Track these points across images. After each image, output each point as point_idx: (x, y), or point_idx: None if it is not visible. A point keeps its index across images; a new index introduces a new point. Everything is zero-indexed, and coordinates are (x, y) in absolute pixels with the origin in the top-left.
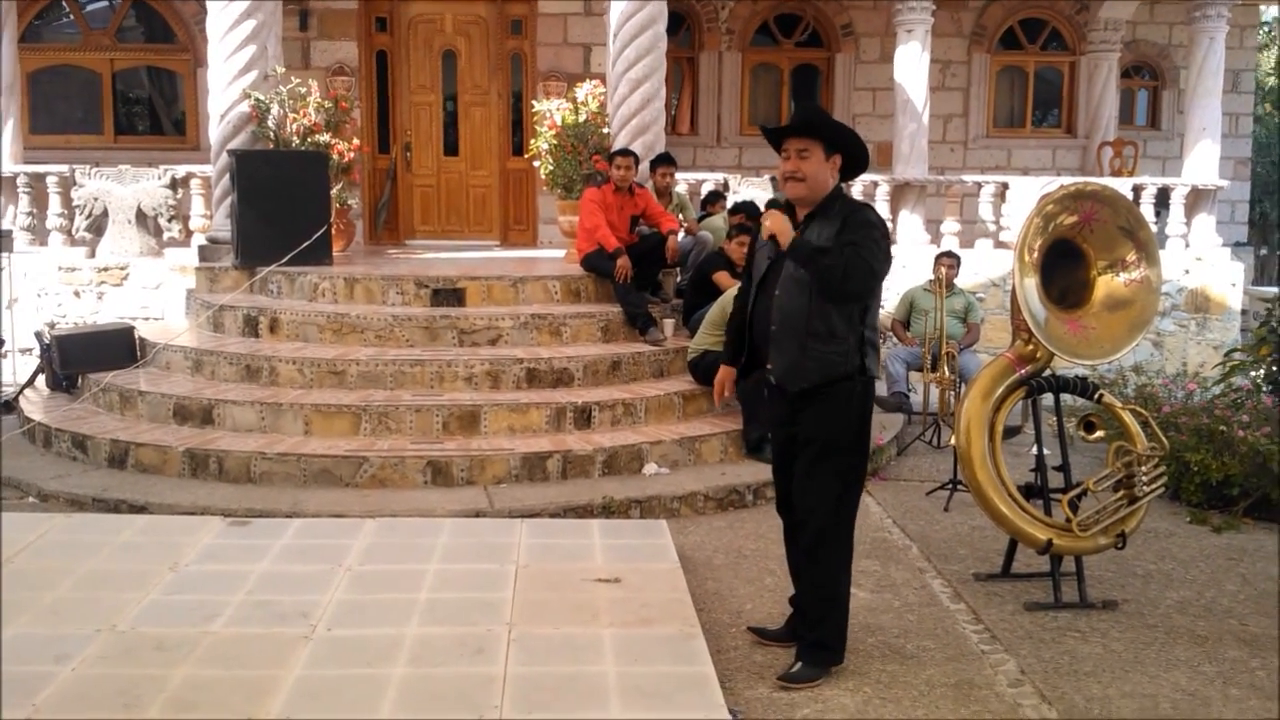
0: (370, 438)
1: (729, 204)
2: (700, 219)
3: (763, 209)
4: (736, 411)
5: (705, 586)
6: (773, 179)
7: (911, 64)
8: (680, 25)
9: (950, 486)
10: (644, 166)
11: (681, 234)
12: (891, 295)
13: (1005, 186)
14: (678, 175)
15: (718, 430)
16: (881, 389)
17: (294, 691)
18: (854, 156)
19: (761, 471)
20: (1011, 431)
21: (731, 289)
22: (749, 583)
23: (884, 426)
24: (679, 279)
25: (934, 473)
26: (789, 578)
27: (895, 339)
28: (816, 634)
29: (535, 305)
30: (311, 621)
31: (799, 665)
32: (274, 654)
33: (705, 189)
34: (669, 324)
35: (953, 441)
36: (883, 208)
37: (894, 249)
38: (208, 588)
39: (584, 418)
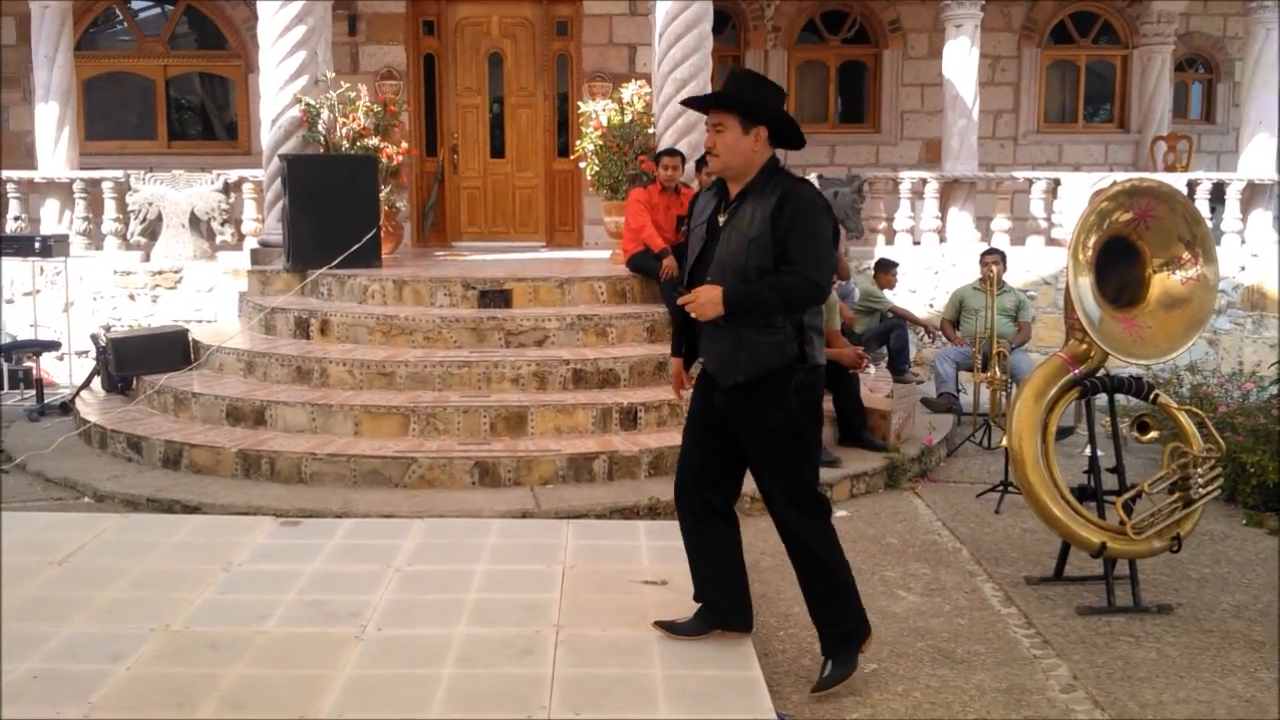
0: (419, 439)
1: None
2: None
3: None
4: None
5: (752, 589)
6: (819, 177)
7: (961, 59)
8: (725, 24)
9: (1001, 488)
10: (690, 166)
11: None
12: (941, 294)
13: (1057, 183)
14: None
15: None
16: (930, 390)
17: (345, 691)
18: (779, 127)
19: None
20: (1064, 432)
21: None
22: (796, 585)
23: (933, 427)
24: None
25: (984, 474)
26: None
27: (945, 338)
28: (840, 627)
29: (581, 306)
30: (362, 621)
31: (830, 666)
32: (325, 653)
33: None
34: None
35: (1004, 443)
36: (932, 205)
37: (943, 247)
38: (260, 587)
39: (630, 418)
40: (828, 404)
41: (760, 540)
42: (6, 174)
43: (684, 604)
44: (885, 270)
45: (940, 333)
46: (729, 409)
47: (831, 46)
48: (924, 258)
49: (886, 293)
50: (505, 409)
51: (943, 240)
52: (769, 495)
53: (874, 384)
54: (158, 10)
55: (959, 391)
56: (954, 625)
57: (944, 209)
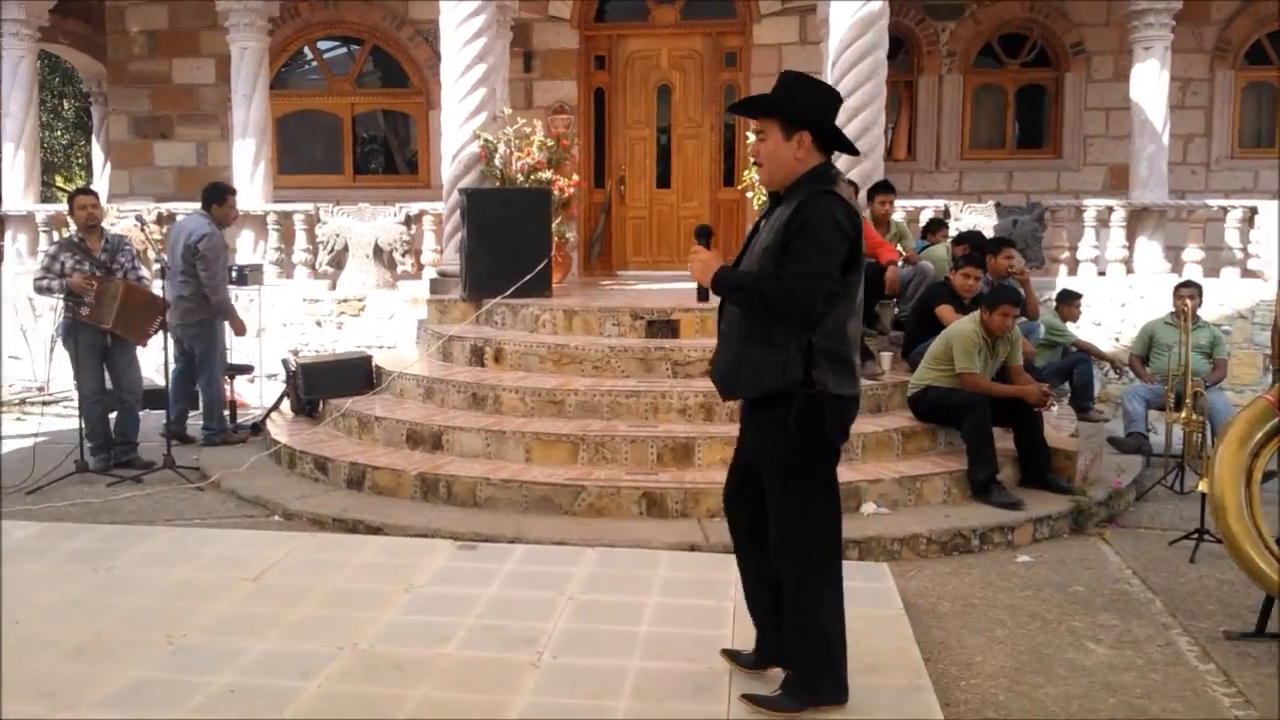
0: (588, 467)
1: (951, 232)
2: (921, 249)
3: (988, 236)
4: (960, 451)
5: (931, 635)
6: (996, 205)
7: (1149, 82)
8: (898, 49)
9: (1197, 536)
10: (862, 195)
11: (901, 264)
12: (1127, 328)
13: (1254, 211)
14: (895, 202)
15: (940, 470)
16: (1118, 429)
17: (524, 718)
18: (822, 130)
19: (988, 516)
20: (1267, 476)
21: (956, 322)
22: (978, 633)
23: (1122, 469)
24: (897, 310)
25: (1177, 520)
26: (1020, 629)
27: (1133, 375)
28: (798, 668)
29: None
30: (538, 648)
31: (778, 692)
32: (504, 679)
33: (924, 216)
34: (886, 357)
35: (1199, 487)
36: (1118, 234)
37: (1130, 278)
38: (441, 610)
39: None
40: (1009, 442)
41: (936, 585)
42: None
43: (861, 648)
44: (1068, 302)
45: (1128, 368)
46: (745, 428)
47: (1009, 70)
48: (1109, 289)
49: (1070, 325)
50: (672, 440)
51: (1130, 271)
52: (772, 522)
53: (1056, 422)
54: (344, 50)
55: (1149, 431)
56: (1148, 681)
57: (1131, 238)
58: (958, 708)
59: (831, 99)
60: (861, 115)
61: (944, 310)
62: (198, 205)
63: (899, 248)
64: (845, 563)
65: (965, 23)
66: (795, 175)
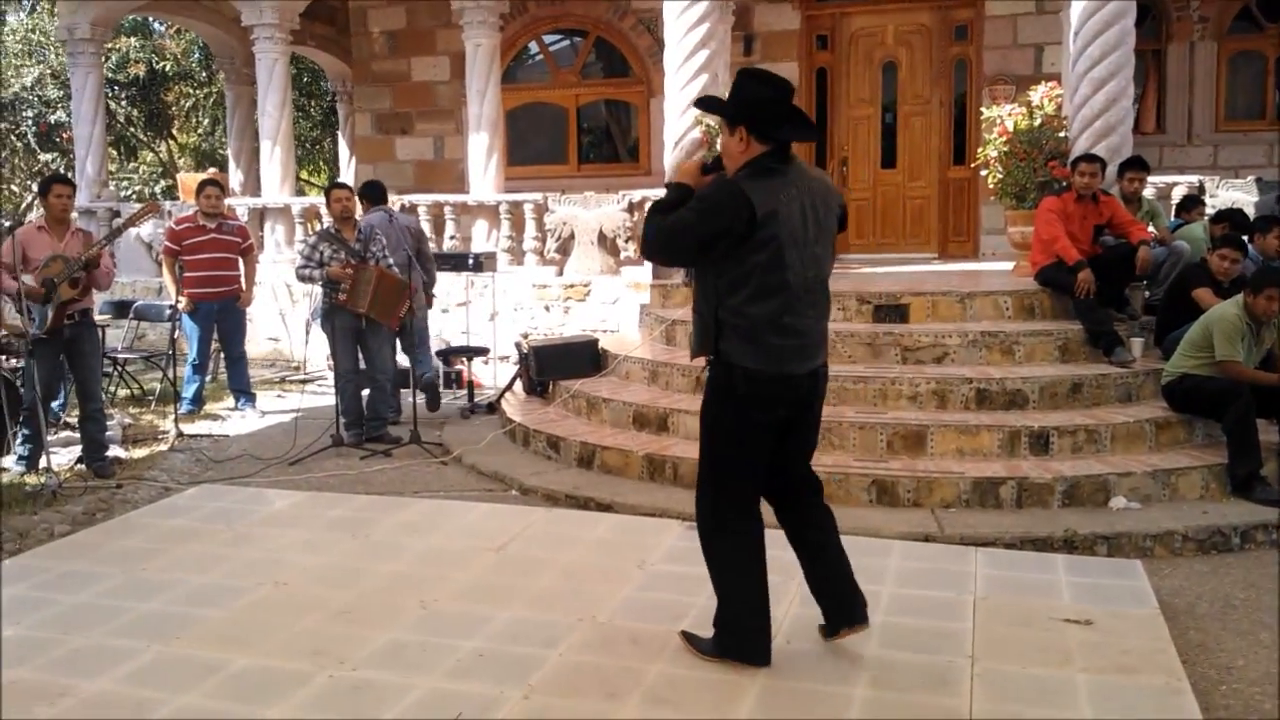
0: (815, 452)
1: (1208, 210)
2: (1174, 228)
3: (1249, 214)
4: (1219, 443)
5: (1187, 637)
6: (1257, 180)
7: None
8: (1145, 16)
9: None
10: (1111, 171)
11: (1153, 244)
12: None
13: None
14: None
15: (1197, 463)
16: None
17: (759, 698)
18: (757, 123)
19: (1250, 513)
20: None
21: (1216, 306)
22: (1240, 636)
23: None
24: (1148, 294)
25: None
26: None
27: None
28: (720, 621)
29: (984, 322)
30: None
31: (709, 635)
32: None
33: (1176, 193)
34: (1137, 343)
35: None
36: None
37: None
38: (673, 587)
39: (1040, 443)
40: (1274, 435)
41: (1193, 584)
42: (444, 198)
43: (1114, 647)
44: None
45: None
46: None
47: (1270, 35)
48: None
49: None
50: (903, 427)
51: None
52: None
53: None
54: (568, 43)
55: None
56: None
57: None
58: (1218, 712)
59: (774, 89)
60: (1108, 87)
61: (1202, 293)
62: (437, 196)
63: (1150, 227)
64: (1092, 559)
65: None
66: (739, 166)
